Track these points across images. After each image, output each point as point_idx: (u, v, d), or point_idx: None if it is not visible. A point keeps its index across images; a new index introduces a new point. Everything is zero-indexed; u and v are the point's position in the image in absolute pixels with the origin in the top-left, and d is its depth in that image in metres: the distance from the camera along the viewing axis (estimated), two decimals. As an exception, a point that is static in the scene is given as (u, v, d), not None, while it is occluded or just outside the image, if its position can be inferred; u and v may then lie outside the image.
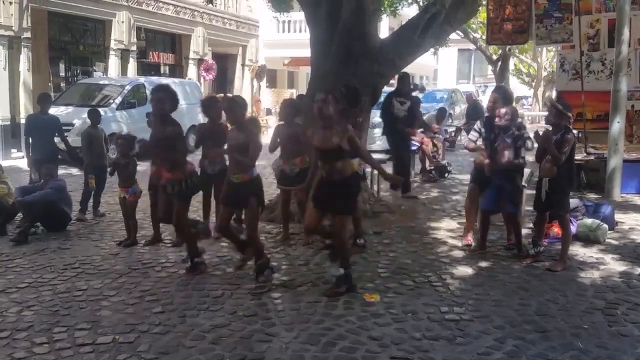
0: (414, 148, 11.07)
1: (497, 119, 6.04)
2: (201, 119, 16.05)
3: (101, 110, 13.88)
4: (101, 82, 16.57)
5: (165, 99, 5.52)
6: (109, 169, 7.07)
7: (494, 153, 6.10)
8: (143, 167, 7.92)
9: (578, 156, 9.08)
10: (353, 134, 4.95)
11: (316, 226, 5.17)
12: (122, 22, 20.05)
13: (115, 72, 19.75)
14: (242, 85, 27.82)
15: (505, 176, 6.06)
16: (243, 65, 27.80)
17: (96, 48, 20.60)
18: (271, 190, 9.61)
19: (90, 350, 4.07)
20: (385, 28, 25.10)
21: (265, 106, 27.54)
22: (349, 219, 5.28)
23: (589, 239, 6.80)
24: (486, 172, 6.19)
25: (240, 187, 5.25)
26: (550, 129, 5.93)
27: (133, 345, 4.15)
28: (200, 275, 5.57)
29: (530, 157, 6.54)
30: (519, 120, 6.61)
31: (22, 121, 14.63)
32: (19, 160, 14.01)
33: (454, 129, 16.53)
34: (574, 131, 8.38)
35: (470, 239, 6.62)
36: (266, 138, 7.01)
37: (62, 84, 19.17)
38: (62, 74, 19.65)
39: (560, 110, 5.81)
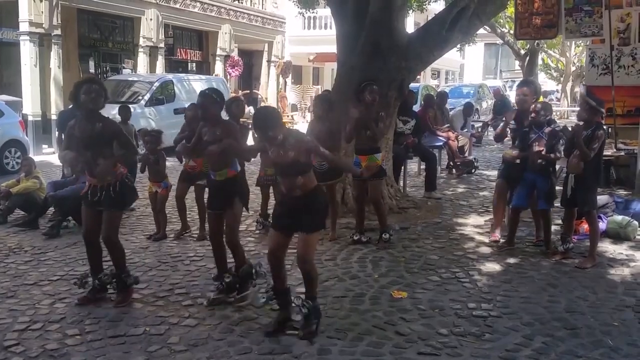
0: (440, 143, 11.03)
1: (532, 115, 5.98)
2: (225, 114, 16.28)
3: (130, 107, 14.18)
4: (130, 79, 16.78)
5: (100, 90, 4.75)
6: (139, 165, 7.15)
7: (526, 148, 6.05)
8: (170, 163, 8.02)
9: (608, 152, 8.94)
10: (312, 145, 4.25)
11: (280, 253, 4.34)
12: (151, 19, 20.28)
13: (143, 69, 19.99)
14: (268, 82, 27.94)
15: (539, 173, 6.00)
16: (269, 61, 27.90)
17: (125, 45, 20.88)
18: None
19: (122, 342, 4.14)
20: (411, 23, 25.00)
21: (291, 102, 27.61)
22: (317, 237, 4.40)
23: (619, 235, 6.71)
24: (507, 159, 6.14)
25: (225, 185, 4.83)
26: (581, 124, 5.86)
27: (163, 337, 4.21)
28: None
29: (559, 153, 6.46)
30: (548, 116, 6.54)
31: (53, 117, 14.95)
32: (50, 155, 14.27)
33: (480, 124, 16.39)
34: (605, 127, 8.26)
35: (497, 235, 6.57)
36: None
37: (92, 81, 19.44)
38: (92, 70, 19.94)
39: (593, 106, 5.74)
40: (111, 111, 12.73)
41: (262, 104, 25.07)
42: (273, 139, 4.15)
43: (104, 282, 4.92)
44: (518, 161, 6.20)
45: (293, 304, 4.33)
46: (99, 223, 4.82)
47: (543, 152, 5.92)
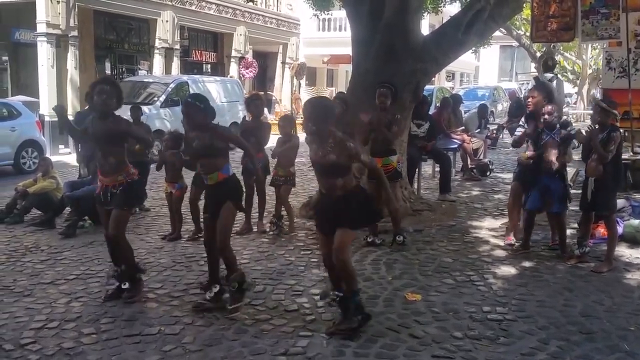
0: (454, 146, 10.99)
1: (545, 116, 5.96)
2: (241, 115, 16.34)
3: (146, 108, 14.28)
4: (146, 80, 16.89)
5: (113, 91, 4.83)
6: (153, 165, 7.20)
7: (539, 149, 6.02)
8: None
9: (625, 155, 8.86)
10: (355, 150, 4.16)
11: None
12: (167, 21, 20.42)
13: (159, 70, 20.12)
14: (282, 83, 28.00)
15: (553, 175, 5.97)
16: (283, 63, 27.97)
17: (141, 47, 21.05)
18: (311, 186, 9.69)
19: (137, 341, 4.17)
20: (426, 25, 24.95)
21: (305, 104, 27.65)
22: (352, 235, 4.39)
23: (635, 240, 6.64)
24: (522, 162, 6.11)
25: (216, 189, 4.74)
26: (597, 127, 5.82)
27: (178, 337, 4.23)
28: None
29: (576, 156, 6.43)
30: (564, 117, 6.51)
31: (70, 118, 15.04)
32: (66, 156, 14.40)
33: (495, 126, 16.33)
34: (621, 130, 8.20)
35: (512, 238, 6.54)
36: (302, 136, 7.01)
37: (108, 82, 19.59)
38: (108, 72, 20.13)
39: (605, 108, 5.71)
40: (126, 112, 12.90)
41: (277, 106, 25.16)
42: (311, 132, 4.18)
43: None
44: (531, 161, 6.18)
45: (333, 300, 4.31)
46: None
47: (556, 154, 5.90)
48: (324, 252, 4.39)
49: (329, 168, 4.17)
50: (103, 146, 4.86)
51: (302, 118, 4.93)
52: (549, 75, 9.80)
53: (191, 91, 15.97)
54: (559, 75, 11.39)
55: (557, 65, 31.50)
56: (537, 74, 26.47)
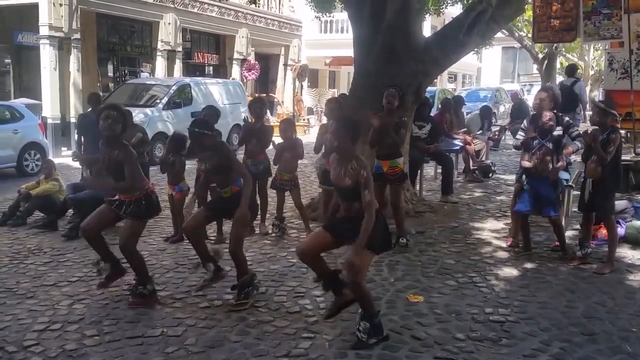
0: (456, 148, 10.99)
1: (540, 123, 5.94)
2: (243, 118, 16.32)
3: (148, 110, 14.32)
4: (148, 83, 16.90)
5: (118, 117, 4.83)
6: (156, 167, 7.20)
7: (532, 155, 6.01)
8: (190, 166, 8.07)
9: (627, 157, 8.85)
10: (365, 180, 4.03)
11: (315, 251, 4.28)
12: (169, 23, 20.43)
13: (161, 73, 20.13)
14: (284, 85, 28.02)
15: (542, 179, 5.96)
16: (285, 65, 27.98)
17: (143, 49, 21.06)
18: (312, 189, 9.69)
19: (140, 343, 4.17)
20: (427, 27, 24.96)
21: (307, 106, 27.65)
22: (369, 259, 4.21)
23: (637, 241, 6.63)
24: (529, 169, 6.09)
25: (230, 200, 4.89)
26: (597, 128, 5.82)
27: (180, 338, 4.24)
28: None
29: (577, 157, 6.43)
30: (566, 118, 6.50)
31: (72, 120, 15.12)
32: (69, 158, 14.39)
33: (497, 128, 16.32)
34: (622, 131, 8.21)
35: (515, 240, 6.53)
36: (308, 137, 7.01)
37: (111, 84, 19.66)
38: (111, 74, 20.16)
39: (603, 108, 5.71)
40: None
41: (279, 108, 25.18)
42: (333, 149, 4.23)
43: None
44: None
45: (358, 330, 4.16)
46: (103, 224, 5.02)
47: (547, 161, 5.87)
48: (308, 243, 4.35)
49: (347, 191, 4.14)
50: (113, 173, 4.91)
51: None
52: (571, 79, 11.21)
53: (193, 94, 16.01)
54: (581, 79, 12.99)
55: (559, 67, 31.66)
56: (539, 75, 26.57)
